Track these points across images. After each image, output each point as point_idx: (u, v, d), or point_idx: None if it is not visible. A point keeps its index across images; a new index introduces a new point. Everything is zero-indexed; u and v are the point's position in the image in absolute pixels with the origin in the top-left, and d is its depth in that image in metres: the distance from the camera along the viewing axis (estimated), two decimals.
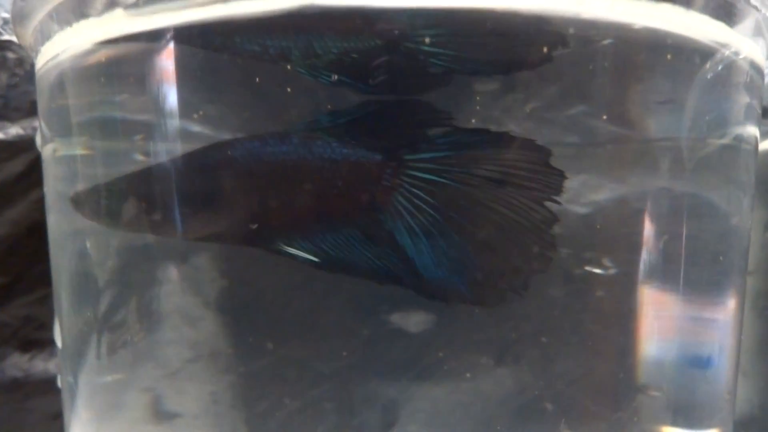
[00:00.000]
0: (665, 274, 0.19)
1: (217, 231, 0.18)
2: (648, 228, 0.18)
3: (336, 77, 0.16)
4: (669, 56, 0.18)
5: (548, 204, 0.16)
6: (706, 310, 0.21)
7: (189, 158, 0.18)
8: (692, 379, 0.20)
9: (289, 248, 0.17)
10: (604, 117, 0.17)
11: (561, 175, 0.16)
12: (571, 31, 0.16)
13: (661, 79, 0.18)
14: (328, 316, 0.18)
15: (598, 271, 0.17)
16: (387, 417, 0.17)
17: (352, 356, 0.17)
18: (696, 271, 0.19)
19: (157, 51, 0.18)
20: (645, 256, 0.18)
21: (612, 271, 0.18)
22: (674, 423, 0.19)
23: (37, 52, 0.22)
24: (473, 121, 0.16)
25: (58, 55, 0.21)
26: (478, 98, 0.16)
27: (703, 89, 0.19)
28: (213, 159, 0.17)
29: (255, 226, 0.17)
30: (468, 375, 0.17)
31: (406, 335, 0.17)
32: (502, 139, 0.16)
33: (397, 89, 0.16)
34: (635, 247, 0.18)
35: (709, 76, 0.19)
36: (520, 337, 0.17)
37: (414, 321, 0.17)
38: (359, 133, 0.16)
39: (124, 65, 0.19)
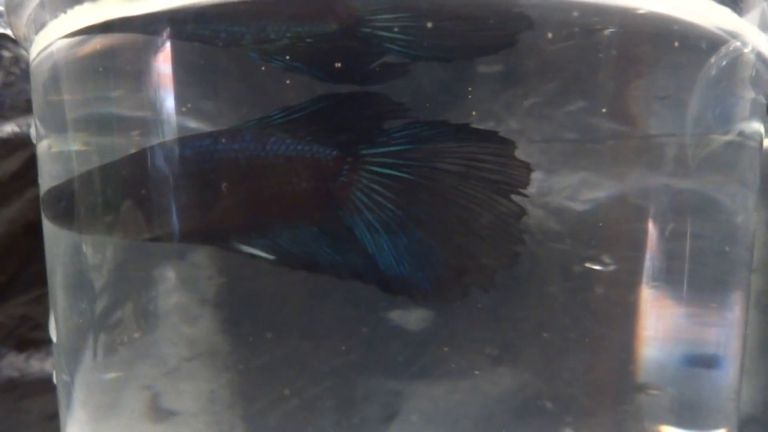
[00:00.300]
0: (667, 271, 0.19)
1: (170, 231, 0.17)
2: (650, 225, 0.18)
3: (289, 63, 0.15)
4: (676, 44, 0.18)
5: (516, 197, 0.16)
6: (710, 308, 0.20)
7: (138, 158, 0.17)
8: (696, 379, 0.20)
9: (245, 246, 0.16)
10: (606, 111, 0.17)
11: (527, 168, 0.16)
12: (561, 16, 0.16)
13: (667, 70, 0.18)
14: (326, 312, 0.17)
15: (598, 268, 0.17)
16: (386, 414, 0.17)
17: (351, 353, 0.17)
18: (699, 269, 0.19)
19: (147, 39, 0.18)
20: (648, 253, 0.18)
21: (612, 269, 0.18)
22: (677, 423, 0.19)
23: (30, 42, 0.22)
24: (473, 113, 0.16)
25: (51, 44, 0.20)
26: (465, 89, 0.16)
27: (710, 83, 0.19)
28: (163, 158, 0.17)
29: (209, 225, 0.17)
30: (467, 372, 0.17)
31: (405, 332, 0.17)
32: (464, 131, 0.15)
33: (354, 78, 0.16)
34: (637, 244, 0.18)
35: (715, 70, 0.18)
36: (519, 335, 0.17)
37: (414, 318, 0.17)
38: (314, 128, 0.16)
39: (119, 53, 0.19)
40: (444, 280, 0.16)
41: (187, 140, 0.17)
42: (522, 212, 0.16)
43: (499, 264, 0.16)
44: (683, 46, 0.18)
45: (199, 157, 0.16)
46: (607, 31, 0.17)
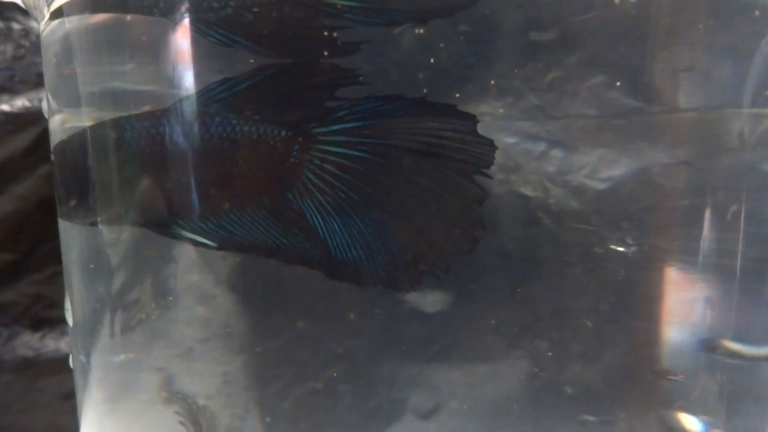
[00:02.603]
0: (710, 254, 0.18)
1: (113, 216, 0.17)
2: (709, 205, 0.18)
3: (230, 37, 0.14)
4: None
5: (477, 178, 0.15)
6: (738, 292, 0.20)
7: (76, 139, 0.17)
8: (734, 367, 0.19)
9: (186, 232, 0.16)
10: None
11: (491, 145, 0.15)
12: None
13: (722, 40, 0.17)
14: (342, 295, 0.17)
15: (630, 248, 0.17)
16: (403, 397, 0.17)
17: (367, 335, 0.17)
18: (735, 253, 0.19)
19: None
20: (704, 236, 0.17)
21: (641, 251, 0.17)
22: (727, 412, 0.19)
23: (41, 11, 0.22)
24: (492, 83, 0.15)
25: (62, 9, 0.20)
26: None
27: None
28: (103, 139, 0.16)
29: (150, 210, 0.16)
30: (485, 356, 0.17)
31: (422, 315, 0.17)
32: (422, 106, 0.15)
33: (303, 50, 0.14)
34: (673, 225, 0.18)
35: None
36: (536, 318, 0.17)
37: (430, 300, 0.17)
38: (260, 103, 0.15)
39: (133, 24, 0.18)
40: (399, 265, 0.15)
41: (125, 120, 0.16)
42: (484, 194, 0.15)
43: (457, 250, 0.15)
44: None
45: (139, 140, 0.16)
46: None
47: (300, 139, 0.14)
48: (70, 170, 0.17)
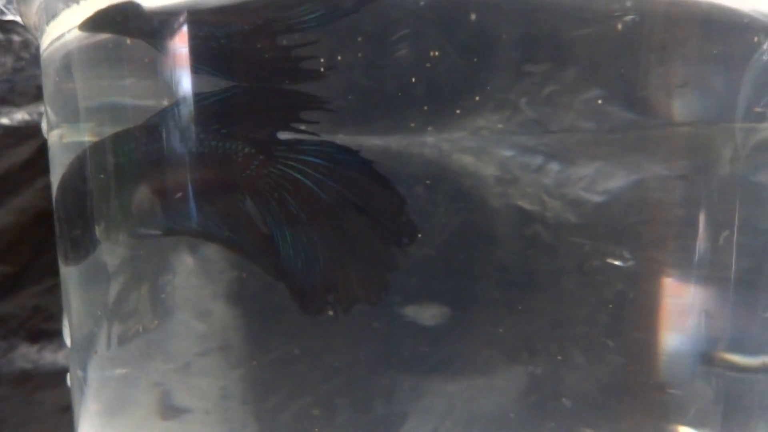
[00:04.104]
0: (705, 266, 0.18)
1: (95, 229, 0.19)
2: (682, 218, 0.18)
3: (195, 66, 0.16)
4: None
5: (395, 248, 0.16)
6: (733, 304, 0.20)
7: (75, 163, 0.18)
8: (728, 380, 0.20)
9: (148, 228, 0.18)
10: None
11: (413, 230, 0.16)
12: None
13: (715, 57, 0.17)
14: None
15: (618, 263, 0.17)
16: (401, 411, 0.17)
17: (365, 349, 0.17)
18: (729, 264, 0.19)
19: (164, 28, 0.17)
20: (698, 248, 0.18)
21: (635, 264, 0.17)
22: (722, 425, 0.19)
23: (41, 31, 0.22)
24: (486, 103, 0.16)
25: (64, 34, 0.20)
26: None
27: (760, 70, 0.18)
28: (96, 160, 0.18)
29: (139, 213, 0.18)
30: (482, 369, 0.17)
31: (420, 329, 0.17)
32: (368, 171, 0.16)
33: (267, 77, 0.16)
34: (669, 238, 0.18)
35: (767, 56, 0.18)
36: (534, 331, 0.17)
37: (429, 314, 0.17)
38: (225, 121, 0.17)
39: (133, 42, 0.18)
40: (314, 289, 0.17)
41: (112, 140, 0.18)
42: (395, 265, 0.16)
43: (360, 296, 0.17)
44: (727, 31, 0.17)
45: (123, 157, 0.18)
46: (647, 17, 0.16)
47: (261, 157, 0.16)
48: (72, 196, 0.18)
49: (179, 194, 0.17)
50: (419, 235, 0.16)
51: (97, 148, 0.20)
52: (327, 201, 0.16)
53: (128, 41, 0.18)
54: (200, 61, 0.17)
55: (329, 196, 0.16)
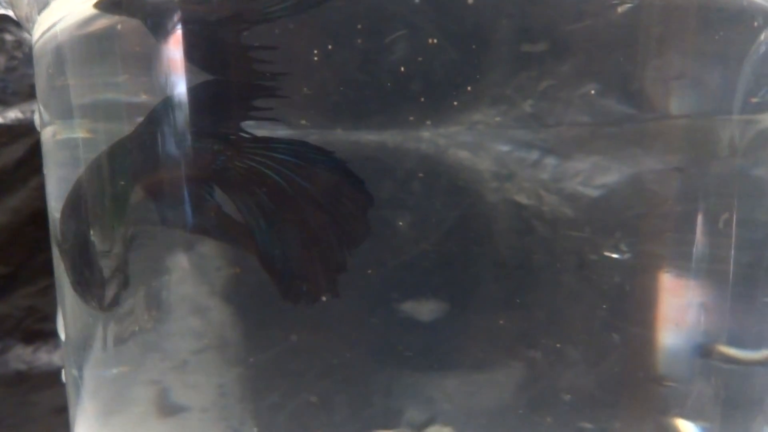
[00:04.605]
0: (700, 261, 0.18)
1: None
2: (680, 210, 0.18)
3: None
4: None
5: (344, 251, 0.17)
6: (731, 297, 0.20)
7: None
8: (725, 373, 0.20)
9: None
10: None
11: (366, 229, 0.17)
12: None
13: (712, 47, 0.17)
14: (338, 304, 0.17)
15: (615, 256, 0.17)
16: (398, 408, 0.17)
17: (363, 345, 0.17)
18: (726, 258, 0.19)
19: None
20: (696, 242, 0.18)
21: (633, 257, 0.17)
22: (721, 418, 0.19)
23: (33, 23, 0.22)
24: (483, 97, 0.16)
25: (55, 24, 0.20)
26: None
27: (759, 60, 0.18)
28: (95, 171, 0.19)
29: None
30: (481, 364, 0.17)
31: (417, 323, 0.17)
32: (338, 169, 0.17)
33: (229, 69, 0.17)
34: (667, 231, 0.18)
35: (765, 47, 0.18)
36: (532, 326, 0.17)
37: (427, 309, 0.17)
38: (195, 118, 0.17)
39: (125, 34, 0.18)
40: (291, 279, 0.17)
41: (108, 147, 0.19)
42: (343, 267, 0.17)
43: (314, 290, 0.17)
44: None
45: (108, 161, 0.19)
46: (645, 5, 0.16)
47: (228, 152, 0.17)
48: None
49: (165, 189, 0.18)
50: (366, 241, 0.17)
51: (89, 142, 0.20)
52: (293, 196, 0.17)
53: (119, 27, 0.18)
54: (182, 53, 0.17)
55: (296, 191, 0.17)
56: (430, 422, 0.17)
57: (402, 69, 0.16)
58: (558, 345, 0.17)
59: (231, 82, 0.17)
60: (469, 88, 0.16)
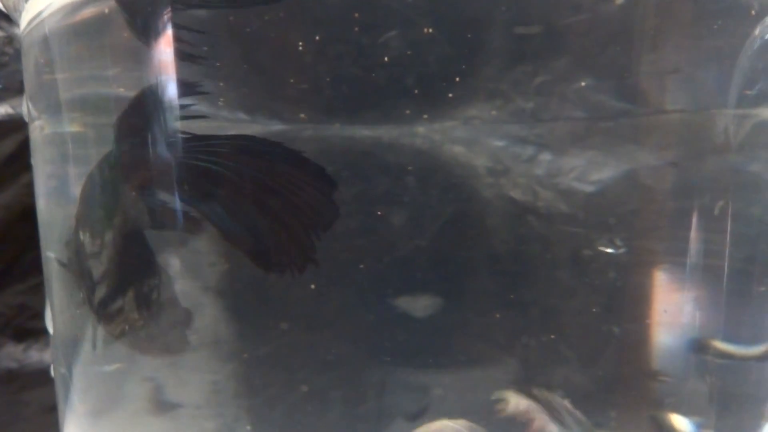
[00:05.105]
0: (691, 255, 0.18)
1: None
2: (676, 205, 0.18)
3: None
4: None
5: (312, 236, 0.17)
6: (726, 292, 0.20)
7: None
8: (720, 369, 0.20)
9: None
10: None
11: (334, 211, 0.17)
12: None
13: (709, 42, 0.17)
14: (331, 300, 0.17)
15: (610, 251, 0.17)
16: (392, 404, 0.17)
17: (357, 341, 0.17)
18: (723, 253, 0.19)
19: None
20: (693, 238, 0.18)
21: (632, 252, 0.17)
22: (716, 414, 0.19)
23: (20, 12, 0.21)
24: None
25: (42, 12, 0.20)
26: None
27: (755, 55, 0.18)
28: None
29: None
30: (475, 359, 0.17)
31: (411, 320, 0.17)
32: (292, 157, 0.17)
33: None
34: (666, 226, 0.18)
35: (759, 42, 0.18)
36: (526, 320, 0.17)
37: (421, 304, 0.17)
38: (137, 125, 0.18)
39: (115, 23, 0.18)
40: (266, 252, 0.18)
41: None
42: (312, 245, 0.17)
43: (284, 262, 0.17)
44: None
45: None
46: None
47: (168, 152, 0.18)
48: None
49: (136, 186, 0.19)
50: (336, 221, 0.17)
51: (78, 138, 0.20)
52: (243, 185, 0.17)
53: (106, 10, 0.18)
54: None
55: (245, 181, 0.17)
56: (423, 413, 0.17)
57: (396, 64, 0.16)
58: (552, 340, 0.17)
59: (159, 83, 0.17)
60: (464, 83, 0.16)
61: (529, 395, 0.17)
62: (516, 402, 0.17)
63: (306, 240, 0.17)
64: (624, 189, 0.17)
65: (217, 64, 0.17)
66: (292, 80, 0.17)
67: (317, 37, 0.16)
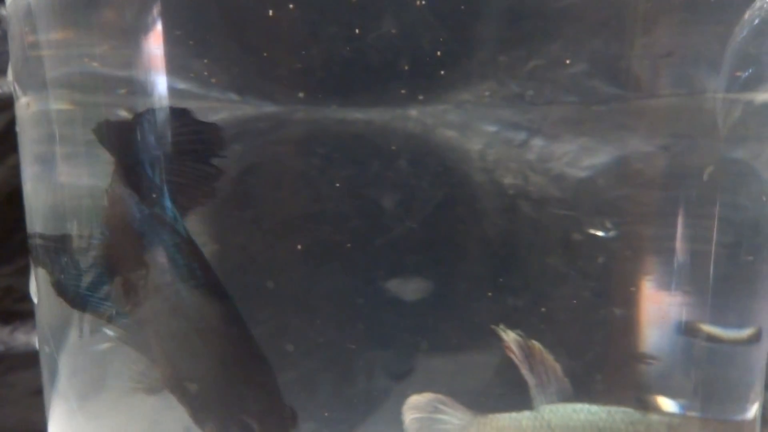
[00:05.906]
0: (682, 242, 0.18)
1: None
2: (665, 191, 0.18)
3: None
4: None
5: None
6: (714, 277, 0.20)
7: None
8: (707, 352, 0.20)
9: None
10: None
11: (216, 131, 0.17)
12: None
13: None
14: (322, 284, 0.17)
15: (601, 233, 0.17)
16: (383, 386, 0.17)
17: (347, 325, 0.17)
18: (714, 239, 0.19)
19: None
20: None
21: (619, 236, 0.17)
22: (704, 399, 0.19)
23: None
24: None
25: None
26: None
27: (743, 40, 0.18)
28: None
29: None
30: (465, 343, 0.17)
31: (401, 303, 0.17)
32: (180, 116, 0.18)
33: None
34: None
35: (747, 27, 0.18)
36: (517, 304, 0.17)
37: (410, 288, 0.17)
38: None
39: None
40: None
41: None
42: (218, 173, 0.17)
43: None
44: None
45: None
46: None
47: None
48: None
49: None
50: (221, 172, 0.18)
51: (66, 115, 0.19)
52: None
53: None
54: None
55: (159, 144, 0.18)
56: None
57: (390, 47, 0.16)
58: (541, 322, 0.17)
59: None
60: (457, 66, 0.16)
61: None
62: (514, 337, 0.17)
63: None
64: (615, 174, 0.17)
65: (209, 41, 0.17)
66: (283, 61, 0.16)
67: (311, 17, 0.16)
